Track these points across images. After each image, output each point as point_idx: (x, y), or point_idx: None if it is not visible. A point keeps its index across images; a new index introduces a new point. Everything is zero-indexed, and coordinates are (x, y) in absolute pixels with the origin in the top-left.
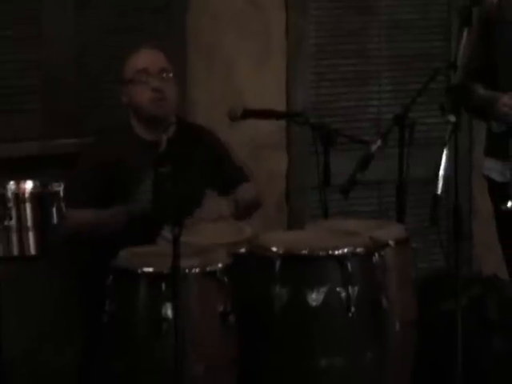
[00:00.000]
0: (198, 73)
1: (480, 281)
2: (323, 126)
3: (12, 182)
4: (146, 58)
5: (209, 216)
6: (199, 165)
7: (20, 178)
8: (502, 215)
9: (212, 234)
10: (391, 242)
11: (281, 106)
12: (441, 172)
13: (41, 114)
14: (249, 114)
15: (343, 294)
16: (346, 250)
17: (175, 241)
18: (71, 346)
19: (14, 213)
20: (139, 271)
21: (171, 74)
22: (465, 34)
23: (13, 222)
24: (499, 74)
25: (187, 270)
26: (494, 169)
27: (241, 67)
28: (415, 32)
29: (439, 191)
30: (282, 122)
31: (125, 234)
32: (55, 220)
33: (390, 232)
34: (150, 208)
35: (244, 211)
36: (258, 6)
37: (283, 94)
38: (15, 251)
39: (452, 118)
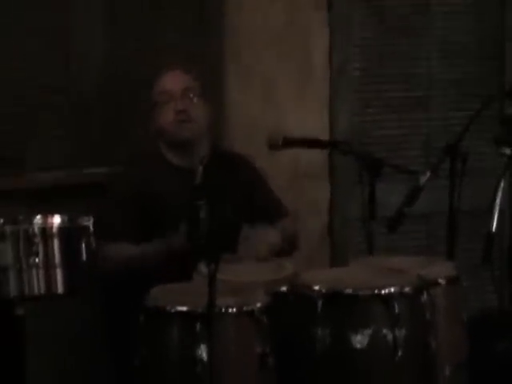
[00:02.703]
0: (235, 96)
1: None
2: (368, 155)
3: (39, 217)
4: (168, 79)
5: (257, 250)
6: (235, 196)
7: (46, 208)
8: None
9: (250, 272)
10: (441, 281)
11: (323, 132)
12: (495, 208)
13: (68, 142)
14: (289, 142)
15: (390, 336)
16: (392, 290)
17: (211, 278)
18: None
19: (40, 249)
20: (172, 310)
21: (197, 94)
22: None
23: (39, 259)
24: None
25: (223, 310)
26: None
27: (281, 91)
28: (467, 55)
29: (493, 229)
30: (325, 151)
31: (157, 269)
32: (84, 256)
33: (440, 270)
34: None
35: (284, 248)
36: (299, 27)
37: (326, 119)
38: (42, 290)
39: (507, 151)
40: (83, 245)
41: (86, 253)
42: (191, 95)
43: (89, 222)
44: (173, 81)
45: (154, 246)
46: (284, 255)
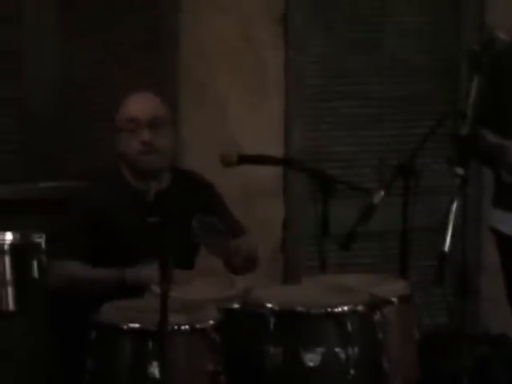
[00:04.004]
0: (189, 112)
1: (487, 340)
2: (322, 172)
3: None
4: (137, 106)
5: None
6: (193, 215)
7: None
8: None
9: (202, 289)
10: (394, 299)
11: (277, 150)
12: (449, 228)
13: (20, 155)
14: (244, 159)
15: (342, 355)
16: (345, 308)
17: (163, 295)
18: None
19: None
20: (124, 327)
21: (165, 122)
22: (475, 82)
23: None
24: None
25: (175, 327)
26: (502, 221)
27: (235, 107)
28: (421, 73)
29: (446, 248)
30: (278, 168)
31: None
32: (36, 274)
33: (393, 288)
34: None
35: (244, 264)
36: (253, 43)
37: (280, 136)
38: None
39: (459, 171)
40: (35, 262)
41: (38, 270)
42: (159, 124)
43: (41, 239)
44: (141, 108)
45: (107, 273)
46: (247, 272)
